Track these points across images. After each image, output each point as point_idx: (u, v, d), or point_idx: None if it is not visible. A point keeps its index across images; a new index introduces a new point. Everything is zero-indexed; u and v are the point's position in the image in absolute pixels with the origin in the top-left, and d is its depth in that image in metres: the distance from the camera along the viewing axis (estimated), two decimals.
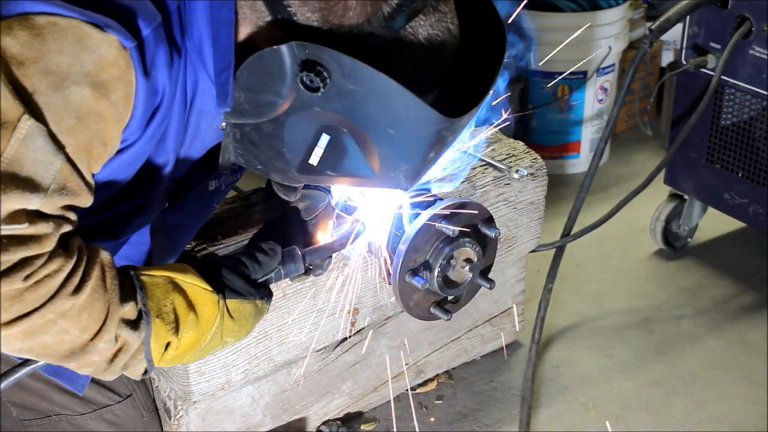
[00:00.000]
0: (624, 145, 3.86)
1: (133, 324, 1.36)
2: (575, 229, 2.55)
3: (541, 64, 3.19)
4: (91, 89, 1.25)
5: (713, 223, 3.19)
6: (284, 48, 1.27)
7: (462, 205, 1.93)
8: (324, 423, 2.34)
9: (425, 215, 1.85)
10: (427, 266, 1.90)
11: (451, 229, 1.86)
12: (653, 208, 3.09)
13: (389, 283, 1.97)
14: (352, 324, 2.17)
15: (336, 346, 2.23)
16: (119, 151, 1.36)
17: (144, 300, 1.38)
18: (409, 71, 1.32)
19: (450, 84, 1.40)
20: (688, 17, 2.68)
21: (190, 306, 1.44)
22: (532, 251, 2.49)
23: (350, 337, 2.23)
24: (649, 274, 3.07)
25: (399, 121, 1.33)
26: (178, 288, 1.43)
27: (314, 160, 1.36)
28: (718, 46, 2.67)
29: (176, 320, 1.41)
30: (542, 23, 3.47)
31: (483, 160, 2.33)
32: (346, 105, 1.30)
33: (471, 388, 2.54)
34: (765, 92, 2.62)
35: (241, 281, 1.52)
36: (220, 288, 1.48)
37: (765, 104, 2.66)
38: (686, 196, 3.02)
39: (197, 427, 2.07)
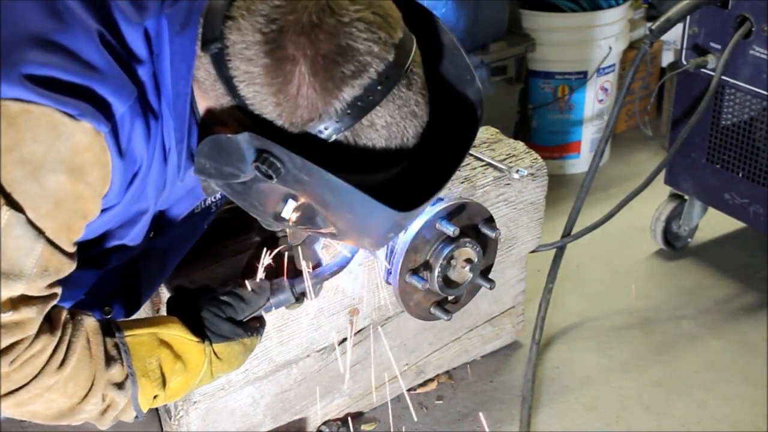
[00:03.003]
0: (624, 145, 3.86)
1: (120, 385, 1.43)
2: (575, 229, 2.55)
3: None
4: (67, 175, 1.27)
5: (713, 223, 3.18)
6: (239, 137, 1.28)
7: (462, 205, 1.93)
8: (324, 423, 2.34)
9: (425, 215, 1.85)
10: (427, 266, 1.90)
11: (452, 229, 1.86)
12: (653, 208, 3.09)
13: (389, 283, 1.97)
14: (352, 324, 2.17)
15: (336, 346, 2.23)
16: (101, 211, 1.38)
17: (129, 362, 1.44)
18: (364, 162, 1.32)
19: (415, 161, 1.40)
20: (688, 17, 2.68)
21: (177, 356, 1.51)
22: (533, 251, 2.49)
23: (350, 337, 2.23)
24: (649, 274, 3.07)
25: (353, 210, 1.36)
26: (163, 343, 1.49)
27: (286, 214, 1.38)
28: (719, 47, 2.67)
29: (162, 375, 1.49)
30: (542, 23, 3.47)
31: (483, 161, 2.33)
32: (303, 188, 1.32)
33: (471, 388, 2.54)
34: (765, 92, 2.62)
35: (227, 325, 1.58)
36: (207, 334, 1.55)
37: (765, 104, 2.66)
38: (686, 196, 3.02)
39: (197, 427, 2.07)
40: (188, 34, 1.34)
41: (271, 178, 1.29)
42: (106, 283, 1.64)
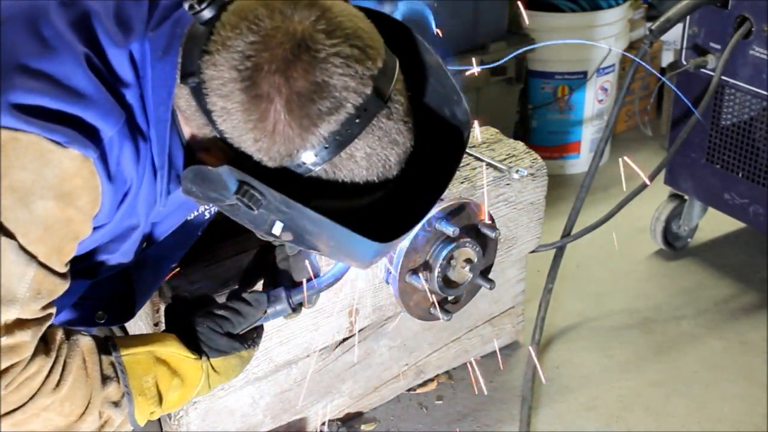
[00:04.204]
0: (624, 145, 3.86)
1: (116, 403, 1.45)
2: (575, 230, 2.55)
3: None
4: (56, 201, 1.29)
5: (713, 223, 3.19)
6: (220, 170, 1.29)
7: (462, 205, 1.93)
8: (324, 423, 2.34)
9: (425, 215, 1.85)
10: (427, 266, 1.90)
11: (451, 230, 1.86)
12: (653, 208, 3.09)
13: (389, 283, 1.97)
14: (352, 324, 2.17)
15: (336, 347, 2.23)
16: (93, 229, 1.39)
17: (126, 381, 1.45)
18: (346, 191, 1.33)
19: (401, 185, 1.40)
20: (688, 17, 2.68)
21: (174, 373, 1.52)
22: (533, 251, 2.49)
23: (350, 337, 2.23)
24: (649, 274, 3.07)
25: (335, 240, 1.37)
26: (160, 360, 1.51)
27: (276, 231, 1.38)
28: (718, 47, 2.67)
29: (159, 393, 1.50)
30: (542, 23, 3.47)
31: (483, 161, 2.33)
32: (285, 218, 1.33)
33: (471, 388, 2.54)
34: (765, 92, 2.62)
35: (224, 339, 1.59)
36: (204, 349, 1.56)
37: (765, 104, 2.66)
38: (686, 197, 3.02)
39: (197, 427, 2.07)
40: (169, 60, 1.34)
41: (252, 209, 1.30)
42: (99, 290, 1.66)
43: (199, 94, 1.30)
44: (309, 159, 1.28)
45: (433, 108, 1.48)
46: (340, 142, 1.28)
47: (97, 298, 1.68)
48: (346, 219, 1.32)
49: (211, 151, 1.35)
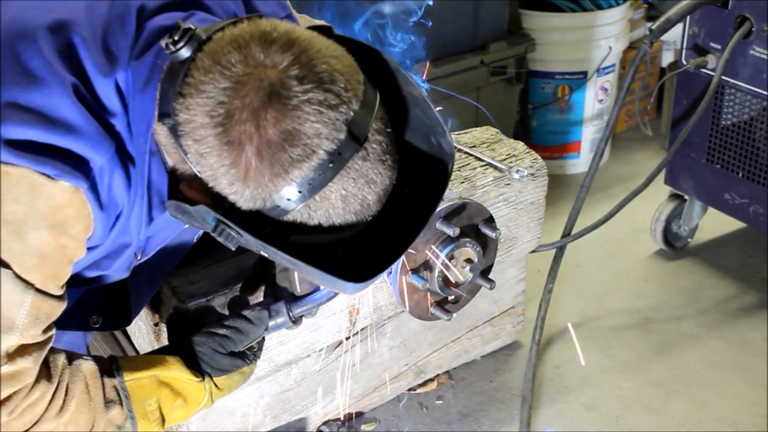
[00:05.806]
0: (624, 145, 3.86)
1: (120, 426, 1.48)
2: (575, 229, 2.55)
3: None
4: (50, 231, 1.31)
5: (713, 223, 3.19)
6: (198, 208, 1.31)
7: (462, 205, 1.93)
8: (324, 423, 2.34)
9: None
10: (427, 266, 1.90)
11: (452, 230, 1.86)
12: (653, 208, 3.09)
13: (389, 283, 1.97)
14: (352, 324, 2.17)
15: (336, 346, 2.23)
16: (87, 250, 1.41)
17: (129, 405, 1.48)
18: (323, 228, 1.33)
19: (383, 216, 1.40)
20: (688, 17, 2.68)
21: (177, 393, 1.55)
22: (533, 251, 2.49)
23: (350, 337, 2.23)
24: (649, 274, 3.07)
25: (312, 277, 1.41)
26: (163, 383, 1.53)
27: (265, 255, 1.39)
28: (719, 47, 2.67)
29: (161, 415, 1.53)
30: (542, 23, 3.48)
31: (483, 161, 2.33)
32: (265, 253, 1.35)
33: (471, 388, 2.54)
34: (765, 92, 2.62)
35: (227, 359, 1.61)
36: (206, 370, 1.59)
37: (765, 104, 2.66)
38: (686, 197, 3.02)
39: (197, 427, 2.07)
40: (149, 93, 1.34)
41: (230, 244, 1.32)
42: (95, 295, 1.67)
43: (175, 134, 1.30)
44: (283, 203, 1.28)
45: (418, 138, 1.48)
46: (313, 186, 1.28)
47: (92, 301, 1.69)
48: (324, 253, 1.33)
49: (191, 185, 1.36)
